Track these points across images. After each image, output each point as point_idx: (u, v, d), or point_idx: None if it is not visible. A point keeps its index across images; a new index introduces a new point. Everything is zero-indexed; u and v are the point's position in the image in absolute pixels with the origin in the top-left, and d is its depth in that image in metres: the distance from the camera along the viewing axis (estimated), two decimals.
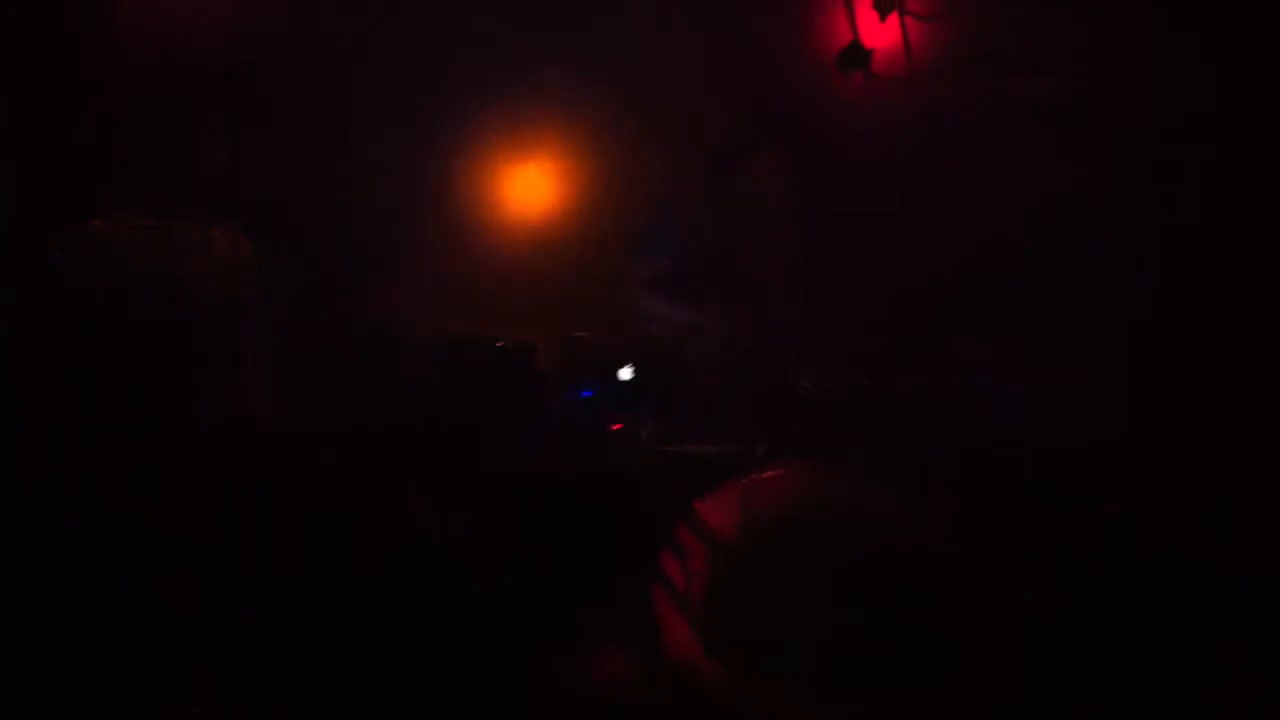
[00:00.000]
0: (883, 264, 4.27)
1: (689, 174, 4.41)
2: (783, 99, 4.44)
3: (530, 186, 4.49)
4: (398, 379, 3.87)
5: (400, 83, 4.21)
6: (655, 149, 4.33)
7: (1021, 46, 4.35)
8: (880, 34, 4.42)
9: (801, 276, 4.35)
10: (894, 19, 4.39)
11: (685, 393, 3.97)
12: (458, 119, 4.27)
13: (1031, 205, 4.20)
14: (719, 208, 4.41)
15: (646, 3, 4.35)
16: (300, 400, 3.63)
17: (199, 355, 3.58)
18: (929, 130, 4.39)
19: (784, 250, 4.36)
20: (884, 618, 2.66)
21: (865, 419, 4.00)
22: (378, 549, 3.12)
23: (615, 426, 3.80)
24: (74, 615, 2.80)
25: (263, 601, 2.94)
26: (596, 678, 2.78)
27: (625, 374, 3.96)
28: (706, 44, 4.40)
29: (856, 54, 4.41)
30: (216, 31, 4.04)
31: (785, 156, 4.41)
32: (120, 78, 3.87)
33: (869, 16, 4.41)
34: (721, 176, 4.41)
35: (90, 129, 3.80)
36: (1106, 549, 3.06)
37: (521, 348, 3.95)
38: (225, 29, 4.05)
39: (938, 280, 4.21)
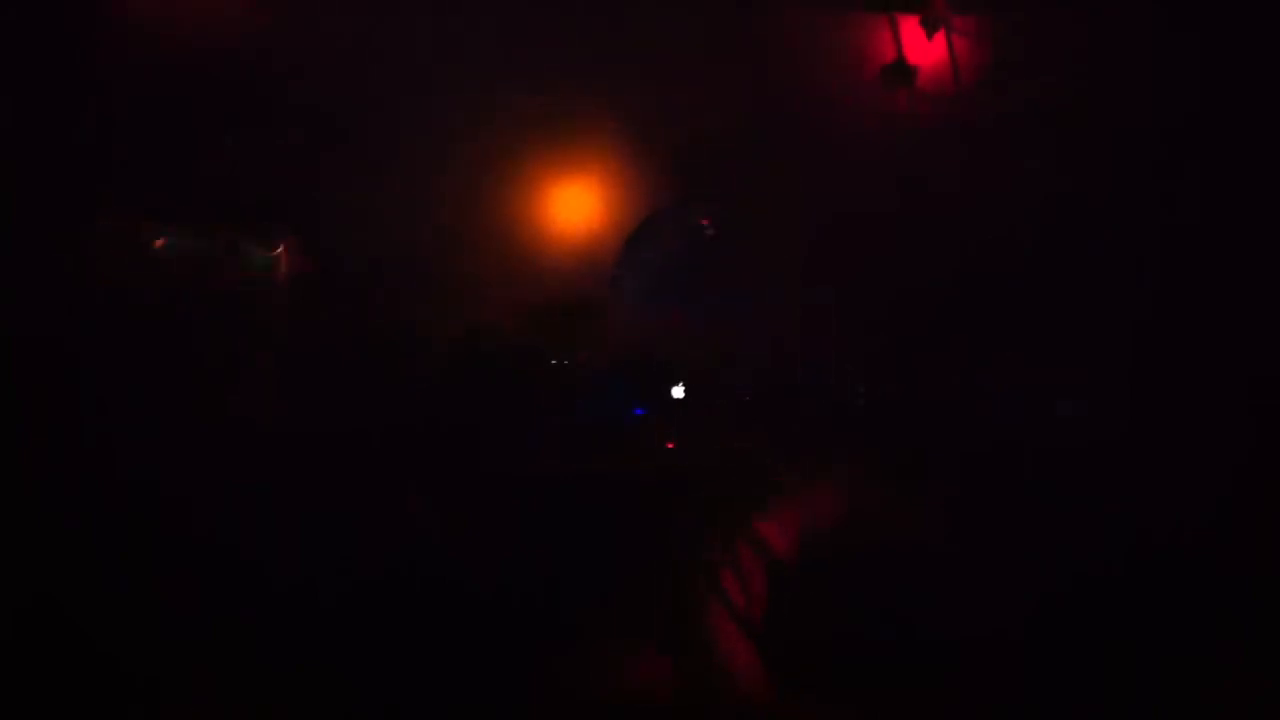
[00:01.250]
0: (882, 263, 4.26)
1: (713, 183, 4.41)
2: (818, 110, 4.44)
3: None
4: (398, 379, 3.87)
5: (401, 83, 4.21)
6: (681, 156, 4.34)
7: (1022, 50, 4.35)
8: (926, 51, 4.47)
9: (818, 281, 4.35)
10: (940, 37, 4.43)
11: (727, 405, 3.98)
12: (458, 119, 4.27)
13: (1032, 206, 4.20)
14: (747, 215, 4.41)
15: (680, 16, 4.35)
16: (301, 400, 3.64)
17: (199, 355, 3.58)
18: (933, 134, 4.40)
19: (799, 254, 4.35)
20: (883, 617, 2.67)
21: (866, 419, 4.00)
22: (378, 549, 3.12)
23: (670, 445, 3.80)
24: (74, 615, 2.80)
25: (263, 601, 2.94)
26: (596, 678, 2.78)
27: (678, 392, 3.95)
28: (744, 54, 4.41)
29: (902, 70, 4.46)
30: (216, 31, 4.04)
31: (817, 164, 4.41)
32: (120, 78, 3.87)
33: (915, 34, 4.45)
34: (749, 184, 4.40)
35: (90, 129, 3.80)
36: (1106, 549, 3.06)
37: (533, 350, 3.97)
38: (225, 29, 4.05)
39: (938, 280, 4.21)
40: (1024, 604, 2.82)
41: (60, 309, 3.45)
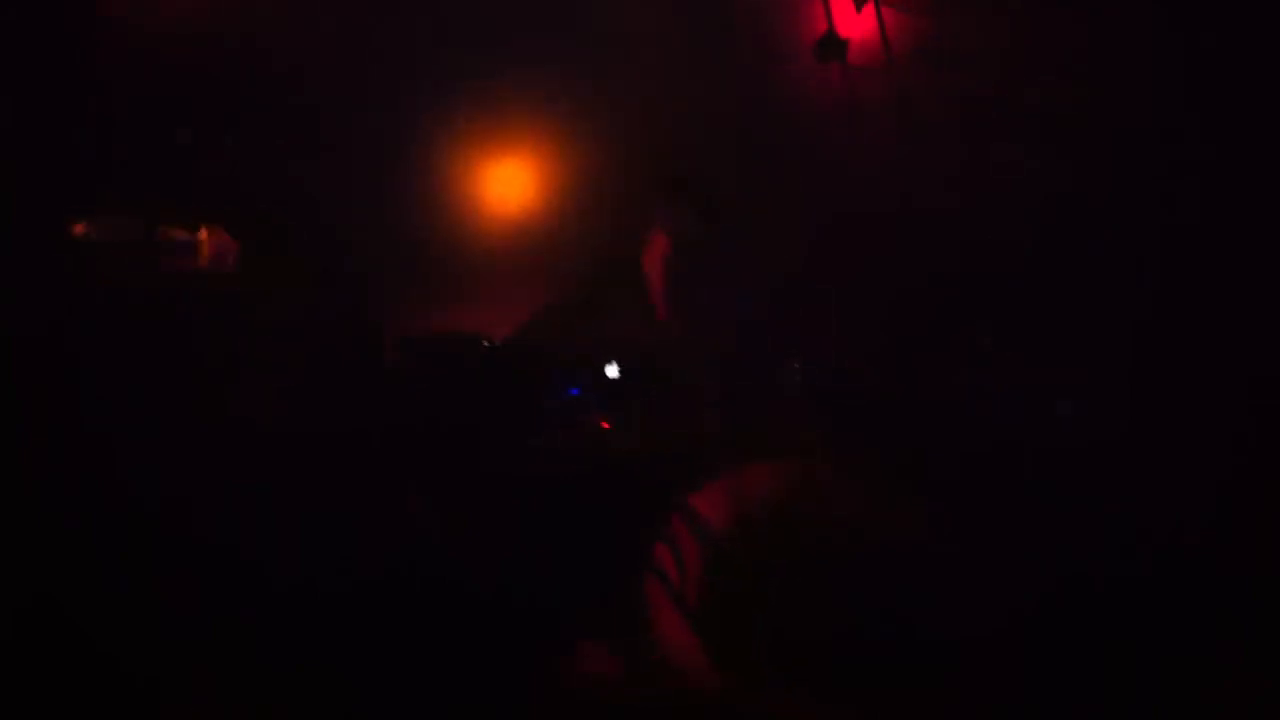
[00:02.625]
0: (882, 263, 4.26)
1: (669, 167, 4.38)
2: (764, 91, 4.41)
3: (527, 184, 4.49)
4: (396, 379, 3.87)
5: (401, 82, 4.21)
6: (641, 144, 4.32)
7: (1023, 45, 4.34)
8: (856, 24, 4.40)
9: (801, 274, 4.34)
10: (869, 9, 4.37)
11: (675, 390, 3.97)
12: (455, 117, 4.27)
13: (1032, 205, 4.20)
14: (702, 201, 4.38)
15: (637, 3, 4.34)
16: (300, 400, 3.64)
17: (199, 355, 3.58)
18: (926, 128, 4.39)
19: (777, 246, 4.34)
20: (883, 617, 2.66)
21: (865, 419, 4.00)
22: (378, 549, 3.12)
23: (604, 425, 3.80)
24: (74, 615, 2.80)
25: (263, 601, 2.94)
26: (596, 677, 2.78)
27: (612, 371, 3.95)
28: (689, 38, 4.38)
29: (832, 44, 4.39)
30: (217, 31, 4.04)
31: (773, 150, 4.39)
32: (120, 78, 3.87)
33: (845, 6, 4.39)
34: (703, 170, 4.38)
35: (90, 129, 3.80)
36: (1106, 549, 3.06)
37: (515, 346, 3.96)
38: (225, 29, 4.05)
39: (938, 280, 4.21)
40: (1024, 604, 2.82)
41: (60, 309, 3.45)
